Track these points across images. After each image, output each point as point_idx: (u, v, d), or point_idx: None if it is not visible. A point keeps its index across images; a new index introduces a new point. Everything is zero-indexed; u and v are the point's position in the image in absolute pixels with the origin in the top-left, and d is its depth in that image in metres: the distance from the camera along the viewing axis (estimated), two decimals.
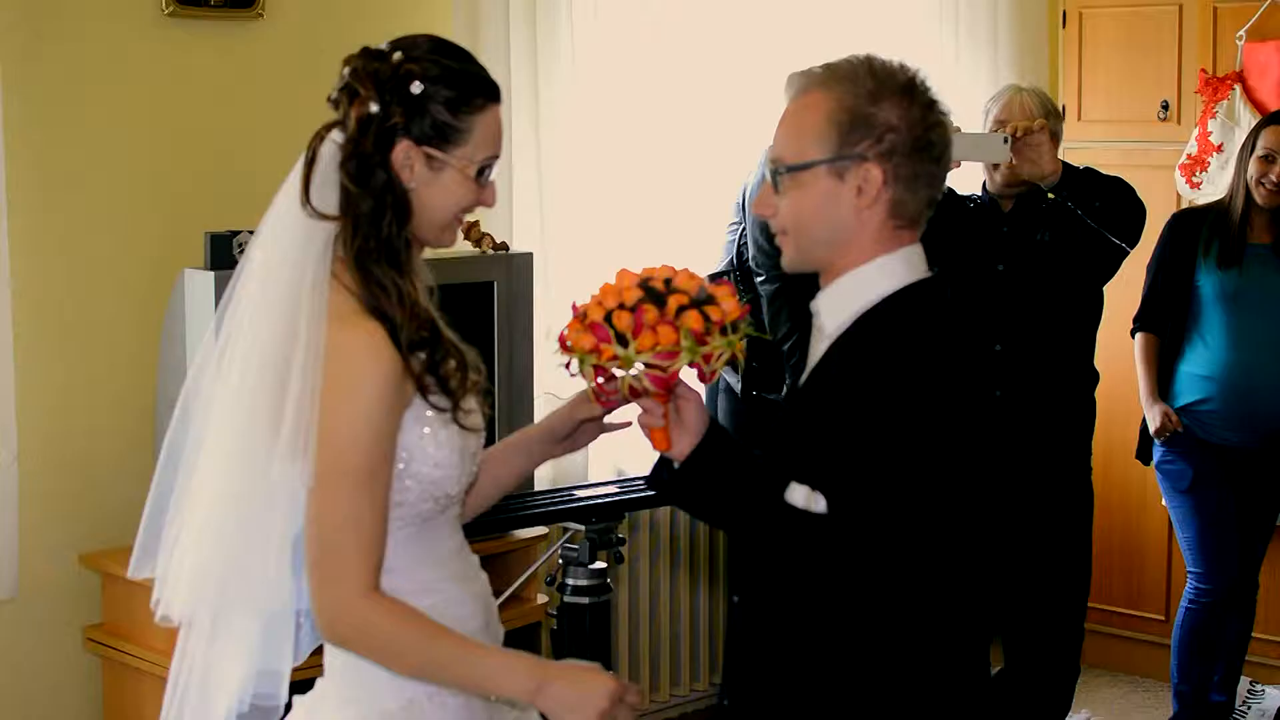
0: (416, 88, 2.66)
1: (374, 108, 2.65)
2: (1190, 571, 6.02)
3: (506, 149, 5.25)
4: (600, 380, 2.67)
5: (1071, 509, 5.41)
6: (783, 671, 2.81)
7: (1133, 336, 6.02)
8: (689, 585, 6.13)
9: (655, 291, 2.63)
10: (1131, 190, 5.10)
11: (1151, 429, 5.93)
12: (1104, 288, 5.29)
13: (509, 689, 2.68)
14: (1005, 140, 4.82)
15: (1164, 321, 5.96)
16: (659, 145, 5.91)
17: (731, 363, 5.77)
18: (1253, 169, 5.79)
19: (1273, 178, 5.74)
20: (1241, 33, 6.50)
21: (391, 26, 5.19)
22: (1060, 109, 5.37)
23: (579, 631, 4.19)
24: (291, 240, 2.69)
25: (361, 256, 2.66)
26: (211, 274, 4.30)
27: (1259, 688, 6.26)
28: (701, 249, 5.73)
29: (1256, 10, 6.45)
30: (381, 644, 2.65)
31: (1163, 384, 5.94)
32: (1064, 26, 7.07)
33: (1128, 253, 5.12)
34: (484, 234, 4.96)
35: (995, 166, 5.13)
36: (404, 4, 5.27)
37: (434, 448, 2.73)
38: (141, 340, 4.68)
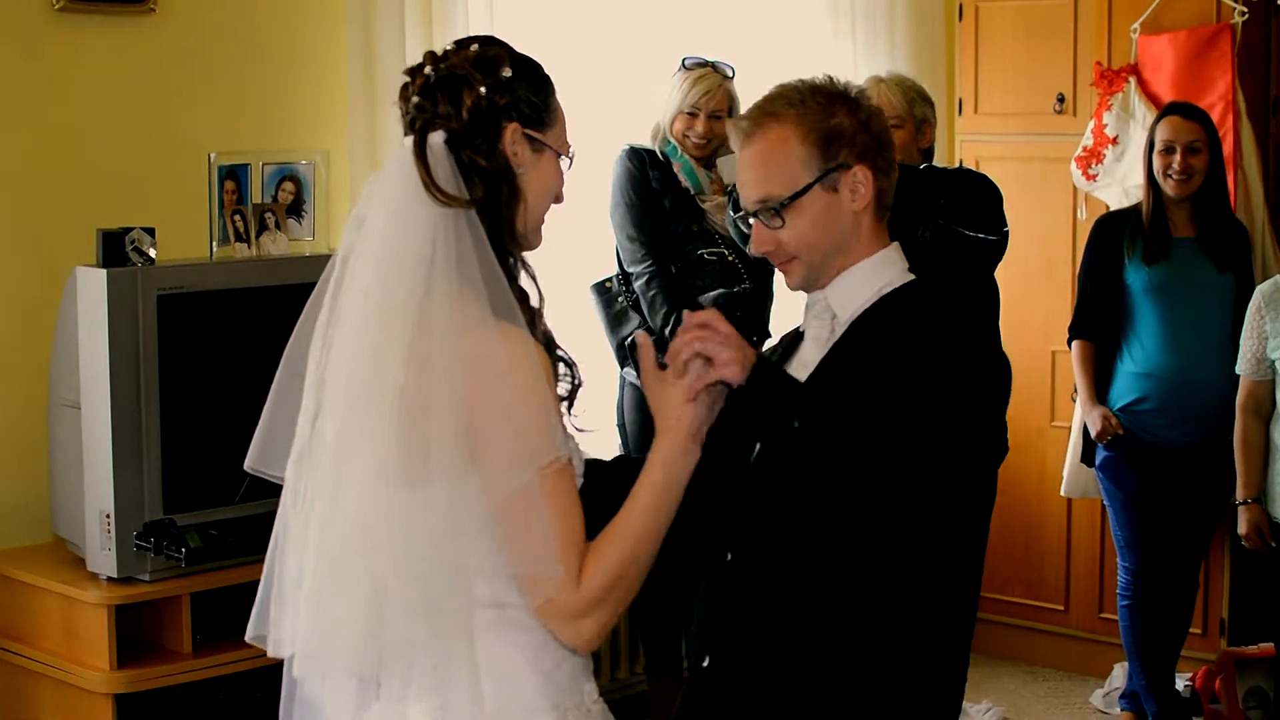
0: (507, 71, 2.71)
1: (484, 91, 2.69)
2: (1124, 567, 6.08)
3: (372, 146, 5.21)
4: None
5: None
6: (775, 631, 2.89)
7: (1069, 345, 6.07)
8: None
9: None
10: (980, 180, 5.09)
11: (1093, 433, 5.96)
12: (995, 276, 5.29)
13: (686, 467, 2.69)
14: None
15: (1098, 326, 6.00)
16: None
17: (633, 359, 5.79)
18: (1157, 163, 5.85)
19: (1176, 167, 5.80)
20: (1136, 25, 6.54)
21: (286, 22, 5.17)
22: (927, 96, 5.34)
23: None
24: (407, 250, 2.63)
25: (495, 237, 2.68)
26: (104, 271, 4.26)
27: None
28: (595, 254, 5.76)
29: (1151, 3, 6.48)
30: (622, 587, 2.64)
31: (1102, 386, 5.99)
32: (960, 20, 7.10)
33: (995, 241, 5.06)
34: None
35: None
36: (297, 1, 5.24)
37: (575, 455, 2.73)
38: (33, 338, 4.62)
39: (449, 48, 2.76)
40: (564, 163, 2.79)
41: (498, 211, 2.69)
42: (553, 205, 2.80)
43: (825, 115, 2.94)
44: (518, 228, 2.73)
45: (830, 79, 3.02)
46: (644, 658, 6.03)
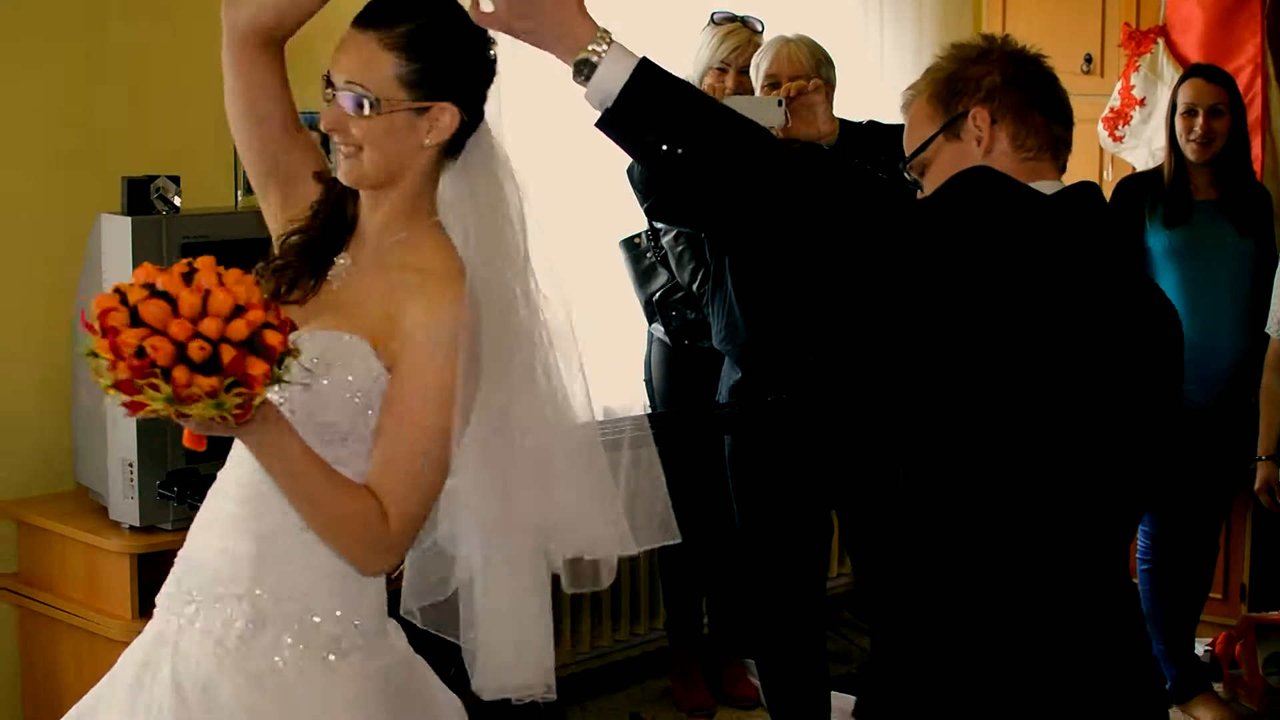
0: None
1: None
2: (1143, 531, 6.08)
3: None
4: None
5: None
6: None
7: None
8: None
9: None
10: None
11: None
12: None
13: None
14: (780, 103, 4.62)
15: None
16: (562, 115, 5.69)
17: (661, 314, 5.67)
18: (1179, 126, 5.82)
19: (1198, 130, 5.77)
20: None
21: None
22: (832, 61, 5.23)
23: None
24: None
25: None
26: (129, 219, 4.25)
27: None
28: (624, 211, 5.68)
29: None
30: None
31: None
32: None
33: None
34: None
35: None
36: None
37: None
38: (58, 286, 4.60)
39: None
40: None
41: None
42: None
43: (958, 69, 2.93)
44: None
45: (983, 35, 3.04)
46: (665, 614, 6.04)
